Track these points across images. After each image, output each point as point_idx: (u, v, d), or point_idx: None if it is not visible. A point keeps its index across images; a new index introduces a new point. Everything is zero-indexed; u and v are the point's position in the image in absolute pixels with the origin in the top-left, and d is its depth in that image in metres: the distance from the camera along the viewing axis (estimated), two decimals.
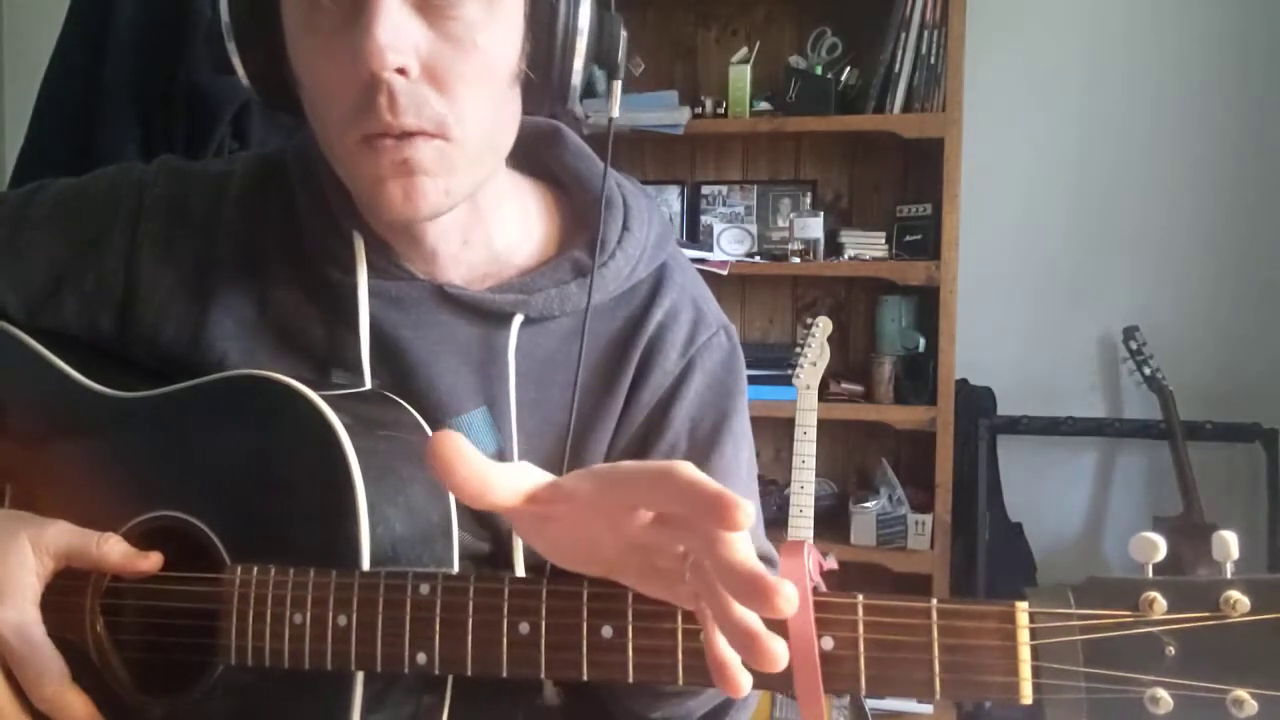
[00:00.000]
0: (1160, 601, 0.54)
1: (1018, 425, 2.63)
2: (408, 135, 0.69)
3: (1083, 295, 2.72)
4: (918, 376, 2.59)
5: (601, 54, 0.77)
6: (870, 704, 2.25)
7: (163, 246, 0.84)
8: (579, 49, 0.74)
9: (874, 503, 2.65)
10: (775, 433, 2.77)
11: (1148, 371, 2.52)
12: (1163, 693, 0.54)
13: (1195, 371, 2.57)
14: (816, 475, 2.26)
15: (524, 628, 0.63)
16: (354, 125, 0.69)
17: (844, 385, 2.65)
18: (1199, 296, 2.65)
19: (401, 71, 0.67)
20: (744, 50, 2.72)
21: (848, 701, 2.09)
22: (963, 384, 2.62)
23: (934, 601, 0.57)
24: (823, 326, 2.29)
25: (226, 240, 0.84)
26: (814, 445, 2.23)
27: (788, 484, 2.26)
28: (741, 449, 0.86)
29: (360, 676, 0.67)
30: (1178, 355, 2.55)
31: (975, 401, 2.64)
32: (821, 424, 2.27)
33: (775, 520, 2.35)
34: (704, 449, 0.84)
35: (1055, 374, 2.72)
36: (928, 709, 2.44)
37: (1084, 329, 2.72)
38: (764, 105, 2.66)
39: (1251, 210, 2.63)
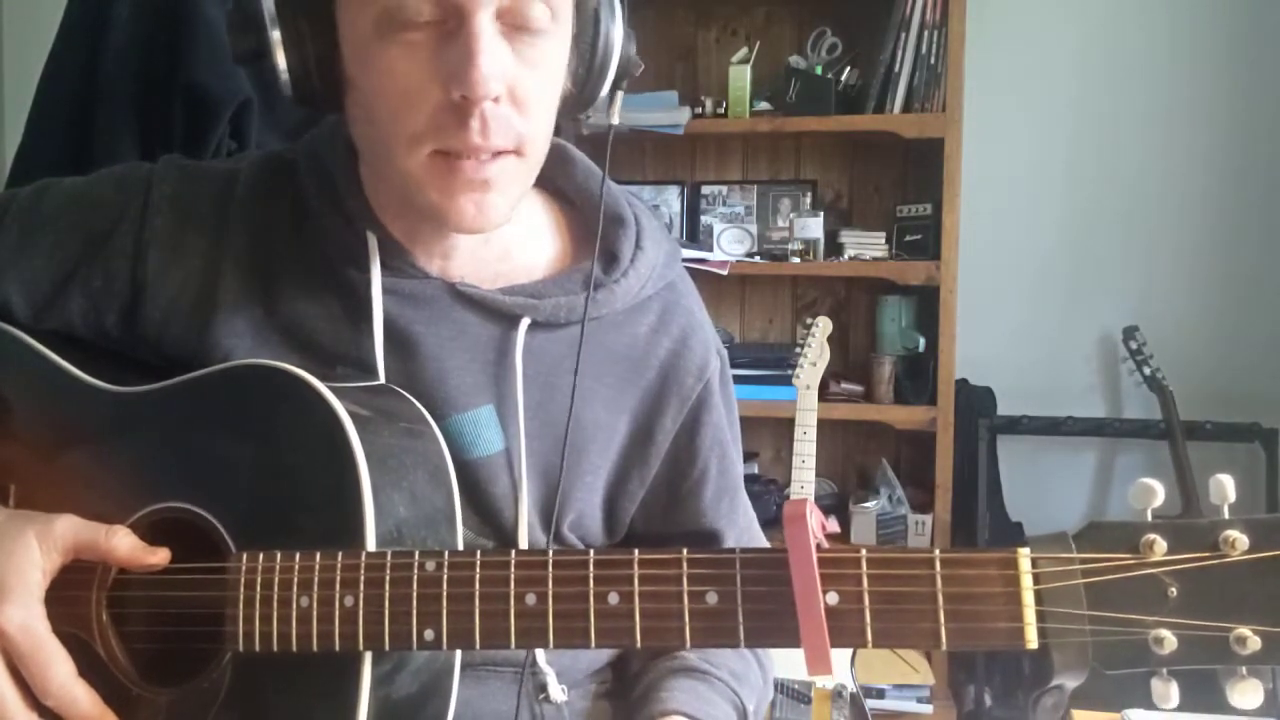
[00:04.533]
0: (1160, 543, 0.55)
1: (1018, 425, 2.63)
2: (489, 156, 0.72)
3: (1082, 295, 2.72)
4: (918, 376, 2.59)
5: (619, 68, 0.81)
6: (870, 704, 2.25)
7: (170, 244, 0.84)
8: (612, 66, 0.80)
9: (874, 503, 2.65)
10: (775, 433, 2.77)
11: (1148, 371, 2.52)
12: (1166, 633, 0.55)
13: (1195, 371, 2.57)
14: (816, 475, 2.26)
15: (531, 599, 0.63)
16: (431, 140, 0.72)
17: (844, 385, 2.65)
18: (1199, 296, 2.65)
19: (494, 99, 0.70)
20: (744, 50, 2.72)
21: (848, 702, 2.09)
22: (963, 384, 2.62)
23: (936, 551, 0.58)
24: (823, 326, 2.29)
25: (234, 238, 0.85)
26: (814, 445, 2.23)
27: (788, 484, 2.26)
28: (737, 445, 0.94)
29: (368, 659, 0.67)
30: (1178, 355, 2.54)
31: (975, 401, 2.64)
32: (821, 424, 2.27)
33: (775, 520, 2.34)
34: (720, 464, 0.91)
35: (1055, 374, 2.72)
36: (927, 709, 2.44)
37: (1084, 329, 2.72)
38: (764, 105, 2.66)
39: (1251, 210, 2.63)
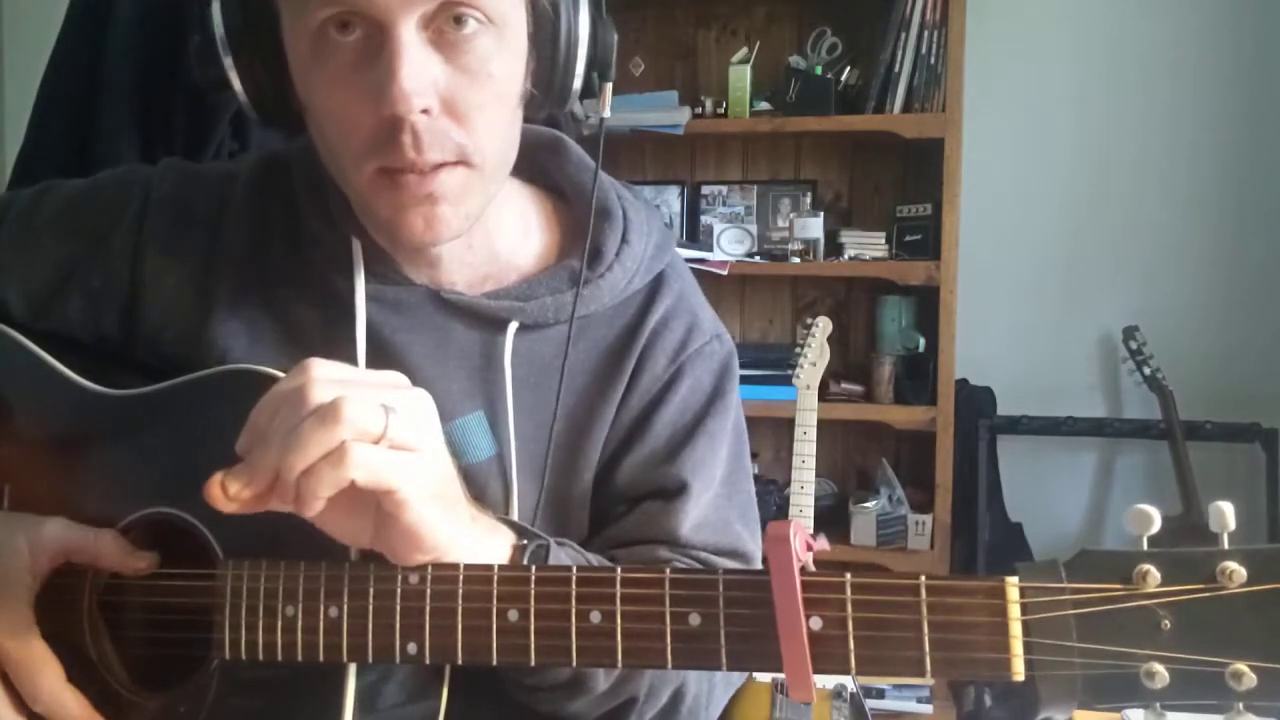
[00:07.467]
0: (1154, 574, 0.53)
1: (1018, 425, 2.63)
2: (432, 169, 0.70)
3: (1083, 295, 2.72)
4: (918, 376, 2.58)
5: (597, 59, 0.78)
6: (870, 704, 2.25)
7: (168, 245, 0.84)
8: (580, 59, 0.76)
9: (874, 503, 2.64)
10: (775, 433, 2.77)
11: (1148, 371, 2.52)
12: (1159, 667, 0.52)
13: (1195, 371, 2.56)
14: (816, 475, 2.27)
15: (513, 615, 0.63)
16: (373, 157, 0.71)
17: (844, 385, 2.65)
18: (1199, 296, 2.65)
19: (424, 111, 0.68)
20: (744, 50, 2.72)
21: (848, 701, 2.09)
22: (963, 384, 2.62)
23: (922, 578, 0.56)
24: (823, 326, 2.29)
25: (231, 240, 0.84)
26: (814, 445, 2.23)
27: (788, 484, 2.26)
28: (719, 445, 0.86)
29: (353, 669, 0.67)
30: (1178, 355, 2.54)
31: (975, 401, 2.64)
32: (821, 424, 2.27)
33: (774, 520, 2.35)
34: (675, 448, 0.84)
35: (1055, 374, 2.72)
36: (927, 709, 2.44)
37: (1084, 329, 2.72)
38: (764, 105, 2.66)
39: (1252, 210, 2.63)
